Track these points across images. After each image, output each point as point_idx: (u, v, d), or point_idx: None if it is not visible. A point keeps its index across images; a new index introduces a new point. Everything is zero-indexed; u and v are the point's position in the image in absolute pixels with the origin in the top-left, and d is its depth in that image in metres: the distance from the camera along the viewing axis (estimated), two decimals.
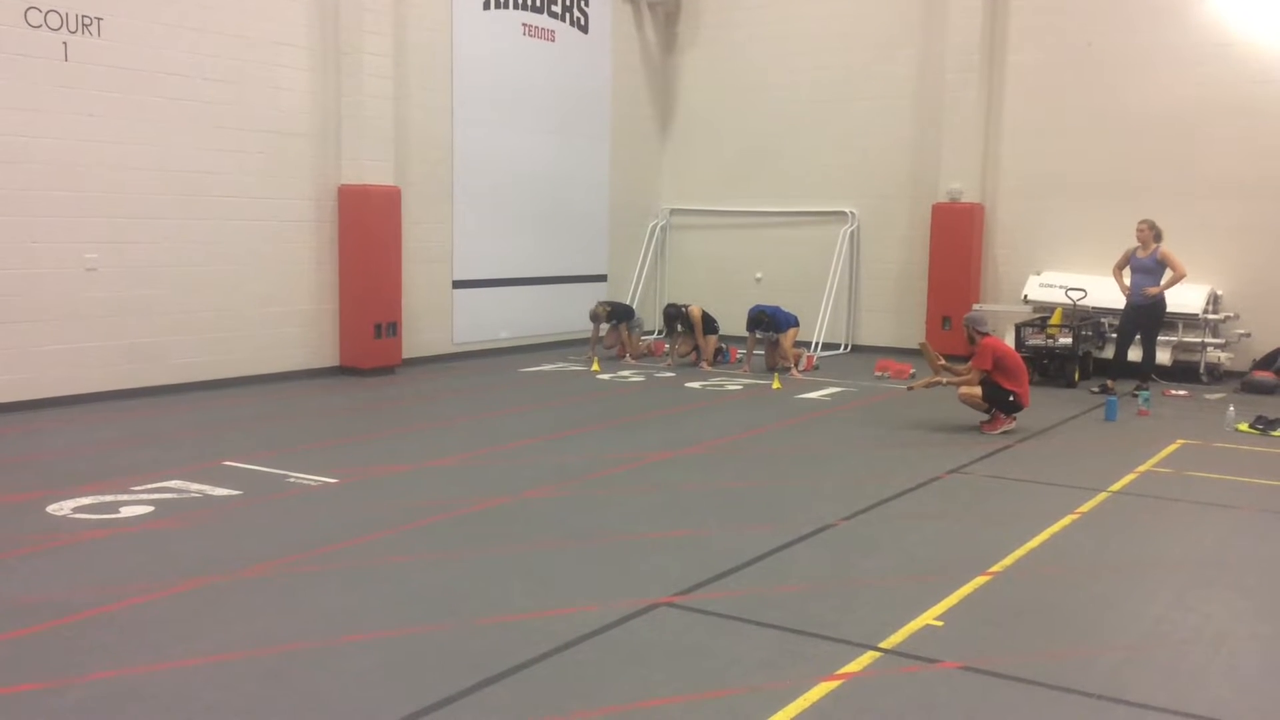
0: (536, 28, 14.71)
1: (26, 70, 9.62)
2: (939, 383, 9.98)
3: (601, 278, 16.14)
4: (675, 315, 13.84)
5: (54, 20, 9.78)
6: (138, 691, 4.09)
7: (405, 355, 12.82)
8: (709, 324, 13.73)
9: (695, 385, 12.14)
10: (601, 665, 4.44)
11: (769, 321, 13.11)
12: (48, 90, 9.78)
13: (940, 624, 4.92)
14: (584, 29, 15.52)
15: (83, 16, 9.97)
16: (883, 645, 4.65)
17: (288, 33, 11.73)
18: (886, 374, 12.95)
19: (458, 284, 13.81)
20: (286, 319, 11.94)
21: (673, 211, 17.14)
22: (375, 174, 12.34)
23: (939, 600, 5.21)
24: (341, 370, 12.35)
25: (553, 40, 14.99)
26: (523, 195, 14.69)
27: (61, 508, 6.57)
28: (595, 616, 4.91)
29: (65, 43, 9.87)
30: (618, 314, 14.09)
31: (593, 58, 15.75)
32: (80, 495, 6.83)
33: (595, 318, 13.79)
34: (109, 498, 6.82)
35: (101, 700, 4.01)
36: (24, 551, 5.77)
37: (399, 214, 12.57)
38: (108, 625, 4.76)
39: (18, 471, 7.57)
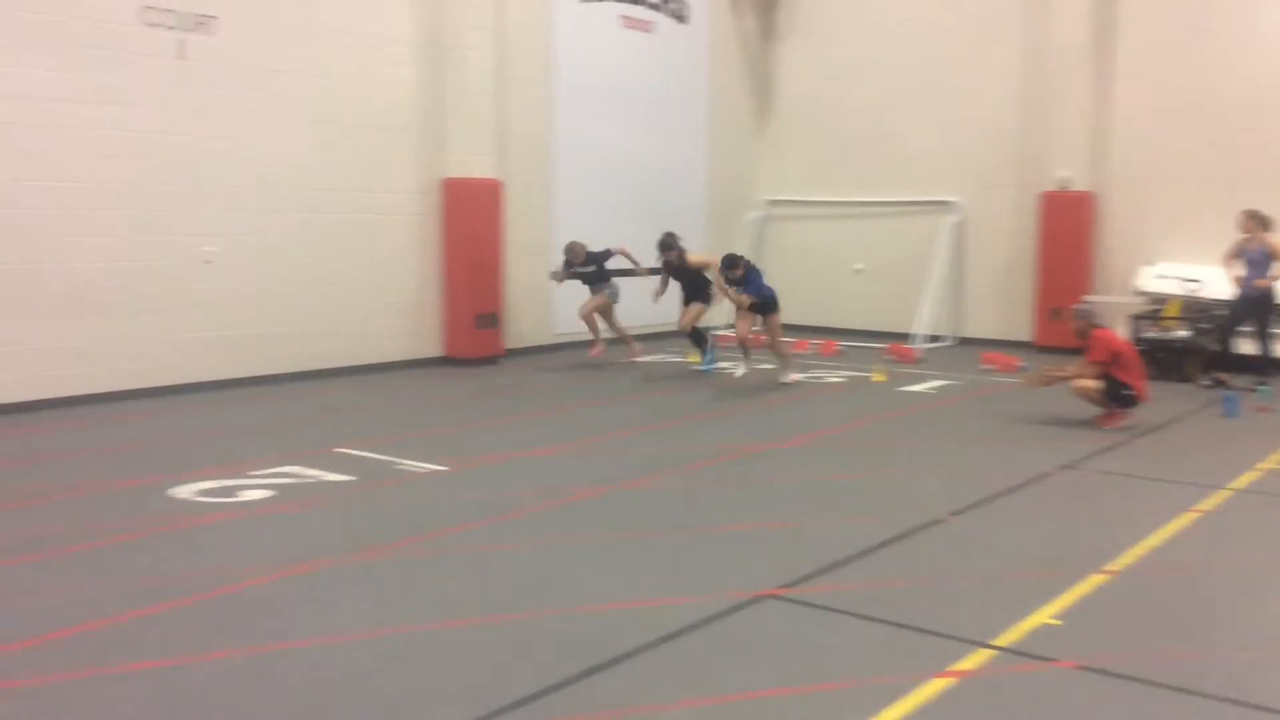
0: (634, 19, 14.74)
1: (144, 68, 9.96)
2: (1059, 378, 9.57)
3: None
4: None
5: (170, 19, 10.11)
6: (263, 670, 4.21)
7: (506, 346, 12.97)
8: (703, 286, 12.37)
9: (795, 378, 12.05)
10: (708, 656, 4.44)
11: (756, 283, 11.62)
12: (164, 87, 10.12)
13: (1058, 623, 4.80)
14: (681, 19, 15.51)
15: (197, 15, 10.29)
16: (996, 643, 4.55)
17: (393, 29, 11.96)
18: (994, 367, 12.68)
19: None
20: (391, 310, 12.18)
21: (771, 202, 17.03)
22: (477, 166, 12.51)
23: (1054, 598, 5.08)
24: (445, 360, 12.55)
25: (650, 31, 15.01)
26: (621, 187, 14.74)
27: (183, 492, 6.80)
28: (700, 607, 4.91)
29: (180, 41, 10.20)
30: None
31: (690, 48, 15.73)
32: (201, 480, 7.06)
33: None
34: (228, 482, 7.03)
35: (229, 678, 4.14)
36: (150, 534, 5.98)
37: (500, 206, 12.72)
38: (233, 605, 4.92)
39: (140, 456, 7.86)
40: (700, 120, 16.04)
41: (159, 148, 10.11)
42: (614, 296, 12.71)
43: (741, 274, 11.50)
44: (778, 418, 9.82)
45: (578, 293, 13.34)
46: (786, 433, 9.01)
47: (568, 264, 12.48)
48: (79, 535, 5.91)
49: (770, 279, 16.64)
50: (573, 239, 12.55)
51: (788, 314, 16.57)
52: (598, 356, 12.63)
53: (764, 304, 11.64)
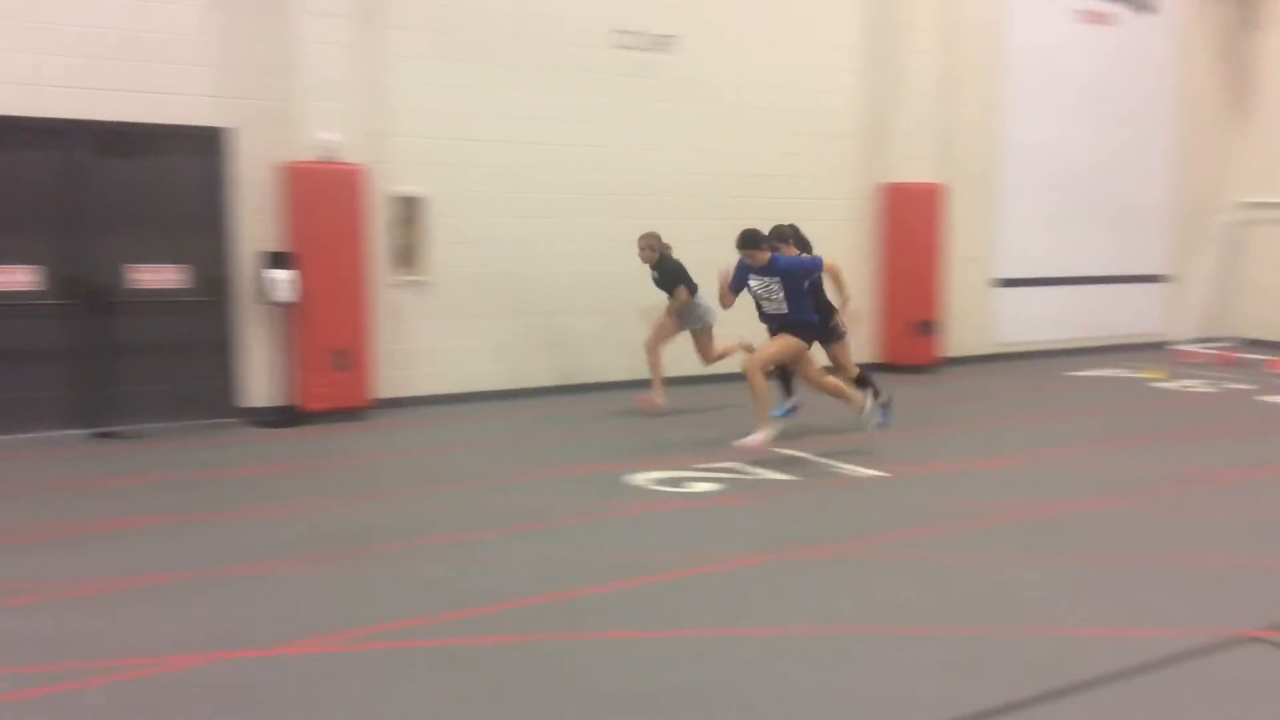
0: (1091, 11, 13.89)
1: (613, 87, 10.81)
2: None
3: (1160, 278, 14.85)
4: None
5: (636, 41, 10.90)
6: (720, 653, 4.42)
7: (945, 354, 12.69)
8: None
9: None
10: (1180, 695, 4.07)
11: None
12: (630, 104, 10.92)
13: None
14: (1144, 8, 14.37)
15: (660, 36, 11.01)
16: None
17: (841, 37, 12.12)
18: None
19: (1000, 282, 13.41)
20: None
21: (1249, 205, 15.30)
22: (917, 170, 12.36)
23: None
24: (881, 367, 12.49)
25: (1108, 23, 14.05)
26: (1072, 189, 13.93)
27: (638, 479, 7.29)
28: (1171, 642, 4.52)
29: (645, 61, 10.96)
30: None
31: (1153, 39, 14.53)
32: (652, 469, 7.53)
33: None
34: (677, 473, 7.44)
35: (689, 656, 4.38)
36: (614, 515, 6.48)
37: (940, 211, 12.47)
38: (692, 588, 5.20)
39: (598, 444, 8.52)
40: (1164, 117, 14.76)
41: (625, 160, 10.92)
42: (697, 320, 9.62)
43: (768, 259, 7.94)
44: (1254, 445, 8.81)
45: (1019, 302, 12.81)
46: (1268, 460, 8.07)
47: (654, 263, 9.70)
48: (550, 512, 6.52)
49: (1247, 287, 15.18)
50: (648, 229, 9.74)
51: (1272, 326, 14.92)
52: (644, 406, 9.68)
53: (805, 328, 8.01)
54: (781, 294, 7.91)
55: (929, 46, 12.35)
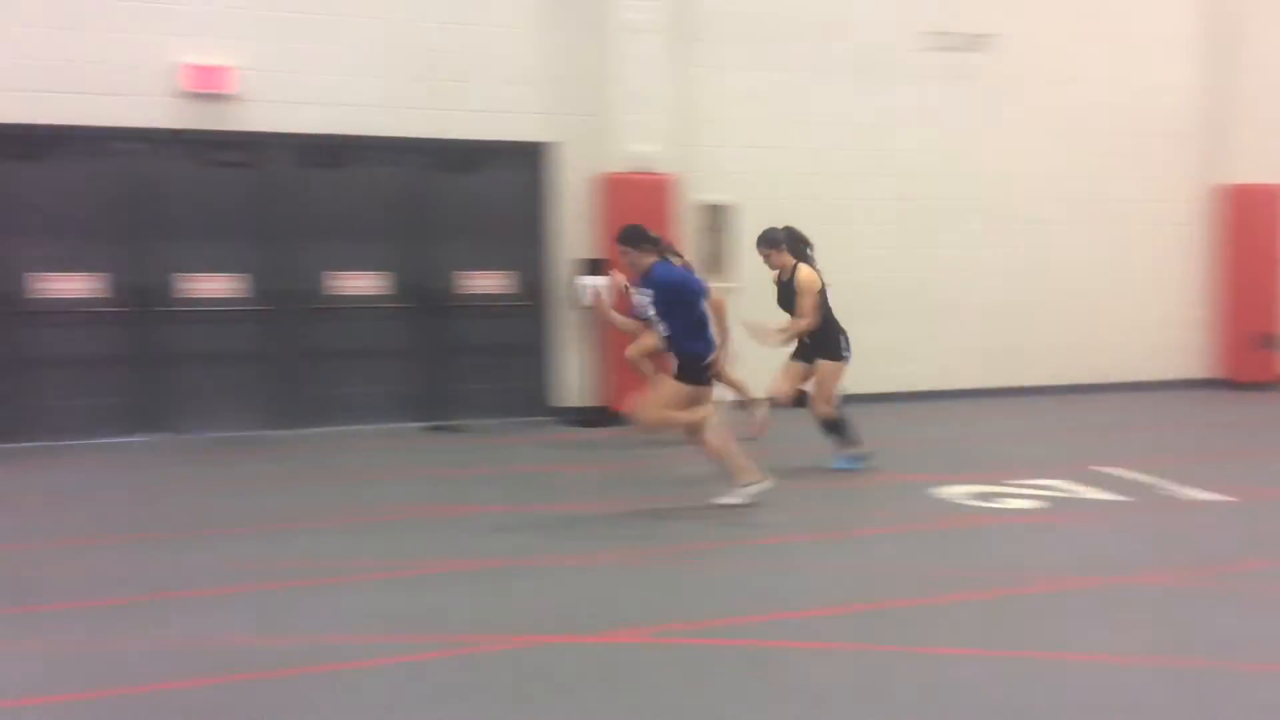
0: None
1: (925, 90, 10.59)
2: None
3: None
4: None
5: (950, 41, 10.62)
6: (1042, 675, 4.18)
7: None
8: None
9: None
10: None
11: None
12: (942, 106, 10.65)
13: None
14: None
15: (976, 35, 10.67)
16: None
17: (1173, 27, 11.33)
18: None
19: None
20: (1150, 326, 11.52)
21: None
22: (1261, 171, 11.33)
23: None
24: (1211, 383, 11.53)
25: None
26: None
27: (948, 493, 7.06)
28: None
29: (958, 61, 10.65)
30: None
31: None
32: (964, 483, 7.27)
33: None
34: (990, 488, 7.15)
35: (1007, 676, 4.16)
36: (924, 528, 6.31)
37: None
38: (1010, 608, 4.96)
39: (905, 455, 8.31)
40: None
41: (936, 165, 10.67)
42: None
43: (647, 265, 6.40)
44: None
45: None
46: None
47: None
48: (857, 522, 6.47)
49: None
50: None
51: None
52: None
53: (682, 361, 6.44)
54: (655, 313, 6.40)
55: (1272, 35, 11.26)
